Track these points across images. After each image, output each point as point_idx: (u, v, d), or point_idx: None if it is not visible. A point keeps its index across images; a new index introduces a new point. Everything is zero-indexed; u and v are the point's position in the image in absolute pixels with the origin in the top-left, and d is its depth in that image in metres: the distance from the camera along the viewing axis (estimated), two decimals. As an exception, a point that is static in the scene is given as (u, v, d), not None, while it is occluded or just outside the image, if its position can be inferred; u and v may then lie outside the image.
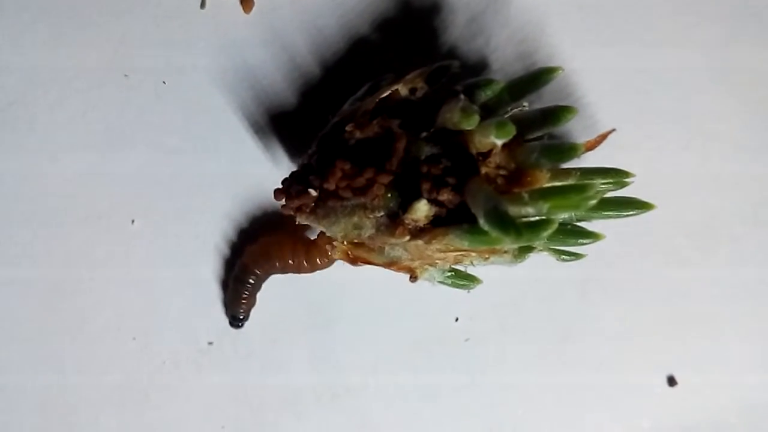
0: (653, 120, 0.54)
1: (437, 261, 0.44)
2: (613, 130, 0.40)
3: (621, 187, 0.45)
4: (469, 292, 0.48)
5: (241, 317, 0.54)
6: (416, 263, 0.45)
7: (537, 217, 0.39)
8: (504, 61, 0.53)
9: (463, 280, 0.46)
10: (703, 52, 0.54)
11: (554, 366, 0.55)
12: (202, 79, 0.54)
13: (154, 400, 0.56)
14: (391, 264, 0.46)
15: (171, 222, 0.55)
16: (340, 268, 0.53)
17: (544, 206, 0.37)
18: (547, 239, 0.44)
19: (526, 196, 0.38)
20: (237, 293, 0.54)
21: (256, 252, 0.53)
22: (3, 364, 0.56)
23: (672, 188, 0.54)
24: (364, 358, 0.56)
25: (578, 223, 0.46)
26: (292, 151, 0.54)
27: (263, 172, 0.54)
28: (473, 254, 0.43)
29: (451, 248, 0.42)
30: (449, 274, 0.46)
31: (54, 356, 0.56)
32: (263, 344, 0.56)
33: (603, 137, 0.41)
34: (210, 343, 0.56)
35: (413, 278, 0.46)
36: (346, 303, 0.56)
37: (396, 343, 0.56)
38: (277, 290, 0.55)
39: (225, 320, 0.56)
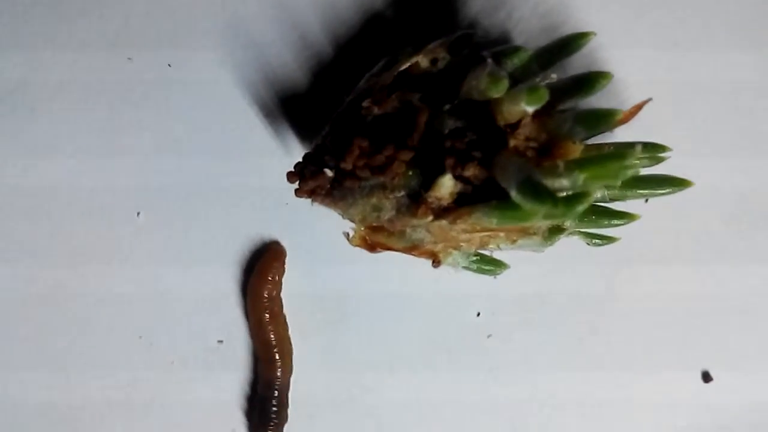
0: (686, 94, 0.51)
1: (462, 244, 0.42)
2: (649, 99, 0.37)
3: (656, 163, 0.43)
4: (495, 277, 0.45)
5: None
6: (439, 246, 0.42)
7: (572, 192, 0.36)
8: (528, 34, 0.51)
9: (488, 265, 0.44)
10: (741, 23, 0.51)
11: (581, 362, 0.53)
12: (208, 60, 0.52)
13: (162, 401, 0.54)
14: (412, 248, 0.43)
15: (178, 214, 0.53)
16: (355, 263, 0.52)
17: (580, 177, 0.35)
18: (579, 220, 0.42)
19: (561, 165, 0.35)
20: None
21: (264, 369, 0.52)
22: (5, 362, 0.54)
23: (708, 168, 0.52)
24: (380, 355, 0.53)
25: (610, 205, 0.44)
26: (304, 137, 0.52)
27: (274, 159, 0.52)
28: (501, 235, 0.40)
29: (478, 228, 0.40)
30: (474, 258, 0.43)
31: (57, 354, 0.54)
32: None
33: (638, 108, 0.38)
34: (220, 341, 0.54)
35: (436, 263, 0.43)
36: (362, 299, 0.53)
37: (415, 339, 0.53)
38: (290, 286, 0.53)
39: (235, 317, 0.54)
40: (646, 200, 0.46)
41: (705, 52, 0.51)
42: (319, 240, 0.53)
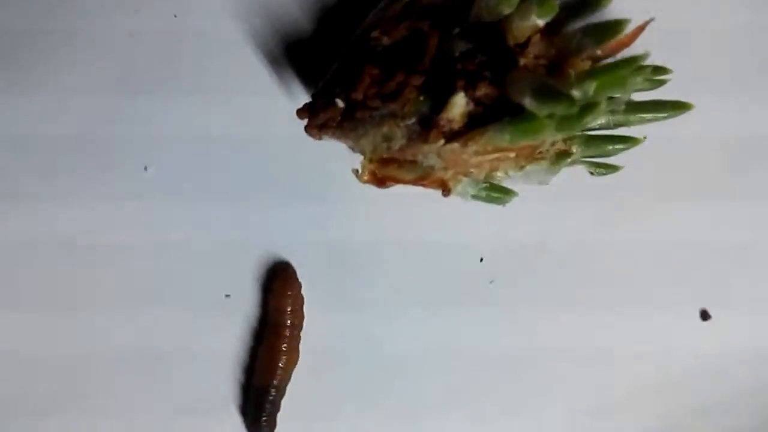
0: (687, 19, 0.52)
1: (472, 170, 0.43)
2: (652, 19, 0.39)
3: (658, 86, 0.44)
4: (505, 206, 0.46)
5: None
6: (449, 174, 0.43)
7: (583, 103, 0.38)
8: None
9: (498, 192, 0.45)
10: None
11: (583, 305, 0.54)
12: (213, 9, 0.53)
13: (169, 356, 0.54)
14: (422, 178, 0.44)
15: (185, 168, 0.53)
16: (358, 209, 0.53)
17: (591, 86, 0.36)
18: (584, 146, 0.43)
19: (572, 74, 0.36)
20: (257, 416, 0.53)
21: (262, 368, 0.53)
22: (14, 321, 0.53)
23: (709, 105, 0.52)
24: (383, 302, 0.54)
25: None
26: (310, 85, 0.52)
27: (279, 106, 0.52)
28: (510, 157, 0.41)
29: (489, 150, 0.41)
30: (484, 185, 0.44)
31: (64, 311, 0.53)
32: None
33: (641, 29, 0.40)
34: (227, 296, 0.54)
35: (446, 192, 0.44)
36: (366, 245, 0.54)
37: (418, 285, 0.54)
38: (295, 234, 0.53)
39: (243, 272, 0.54)
40: (644, 138, 0.47)
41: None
42: (324, 185, 0.53)
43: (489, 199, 0.45)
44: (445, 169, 0.43)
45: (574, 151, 0.43)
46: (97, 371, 0.54)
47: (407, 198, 0.50)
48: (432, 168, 0.43)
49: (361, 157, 0.45)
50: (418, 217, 0.52)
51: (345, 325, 0.54)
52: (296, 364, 0.53)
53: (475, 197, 0.45)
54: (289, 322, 0.52)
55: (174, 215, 0.54)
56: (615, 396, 0.54)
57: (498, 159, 0.42)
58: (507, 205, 0.46)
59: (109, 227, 0.53)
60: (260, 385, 0.53)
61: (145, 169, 0.54)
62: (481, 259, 0.54)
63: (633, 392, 0.54)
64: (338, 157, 0.50)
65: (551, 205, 0.53)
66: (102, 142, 0.53)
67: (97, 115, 0.53)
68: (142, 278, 0.54)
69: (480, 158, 0.42)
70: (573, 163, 0.45)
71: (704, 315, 0.54)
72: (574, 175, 0.46)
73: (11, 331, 0.53)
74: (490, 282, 0.54)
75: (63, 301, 0.54)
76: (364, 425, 0.54)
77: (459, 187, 0.44)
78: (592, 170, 0.46)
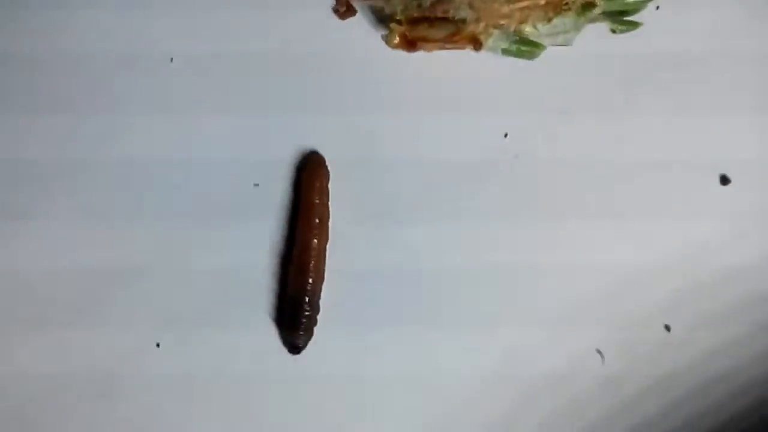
0: None
1: (502, 22, 0.44)
2: None
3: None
4: (533, 59, 0.47)
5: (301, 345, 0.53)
6: (481, 27, 0.44)
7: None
8: None
9: (527, 46, 0.46)
10: None
11: (606, 172, 0.54)
12: None
13: (199, 247, 0.54)
14: (454, 35, 0.45)
15: (211, 58, 0.54)
16: (383, 88, 0.53)
17: None
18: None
19: None
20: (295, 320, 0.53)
21: (296, 272, 0.52)
22: (43, 208, 0.54)
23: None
24: (409, 180, 0.54)
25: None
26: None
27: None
28: (540, 3, 0.42)
29: (520, -2, 0.42)
30: (514, 39, 0.45)
31: (95, 197, 0.54)
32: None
33: None
34: (256, 185, 0.54)
35: (477, 47, 0.45)
36: (391, 123, 0.54)
37: (441, 164, 0.54)
38: (321, 123, 0.54)
39: (271, 160, 0.55)
40: (657, 7, 0.49)
41: None
42: (348, 67, 0.54)
43: (519, 53, 0.46)
44: (477, 21, 0.44)
45: (599, 2, 0.44)
46: (130, 280, 0.54)
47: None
48: (463, 22, 0.44)
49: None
50: (439, 99, 0.53)
51: (366, 219, 0.54)
52: (325, 263, 0.53)
53: (505, 51, 0.46)
54: (318, 210, 0.53)
55: (202, 105, 0.54)
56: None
57: (528, 8, 0.43)
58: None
59: (132, 122, 0.54)
60: (294, 292, 0.53)
61: (171, 60, 0.54)
62: (506, 135, 0.54)
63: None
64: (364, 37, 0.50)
65: (570, 76, 0.53)
66: (125, 35, 0.54)
67: (121, 8, 0.54)
68: (170, 171, 0.54)
69: (511, 7, 0.43)
70: (596, 19, 0.46)
71: (724, 180, 0.54)
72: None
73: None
74: (515, 156, 0.54)
75: (90, 201, 0.54)
76: (395, 335, 0.54)
77: (490, 41, 0.45)
78: (614, 27, 0.47)
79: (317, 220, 0.53)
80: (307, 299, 0.52)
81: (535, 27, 0.44)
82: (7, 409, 0.54)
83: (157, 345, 0.54)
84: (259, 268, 0.54)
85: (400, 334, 0.54)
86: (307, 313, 0.52)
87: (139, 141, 0.54)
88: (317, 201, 0.53)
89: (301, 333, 0.52)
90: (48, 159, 0.54)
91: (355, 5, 0.45)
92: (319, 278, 0.53)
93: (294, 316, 0.52)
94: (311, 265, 0.52)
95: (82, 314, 0.54)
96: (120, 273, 0.54)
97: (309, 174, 0.53)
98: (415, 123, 0.54)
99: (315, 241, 0.52)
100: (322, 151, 0.54)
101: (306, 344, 0.53)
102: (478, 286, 0.54)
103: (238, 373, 0.54)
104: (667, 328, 0.53)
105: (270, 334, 0.54)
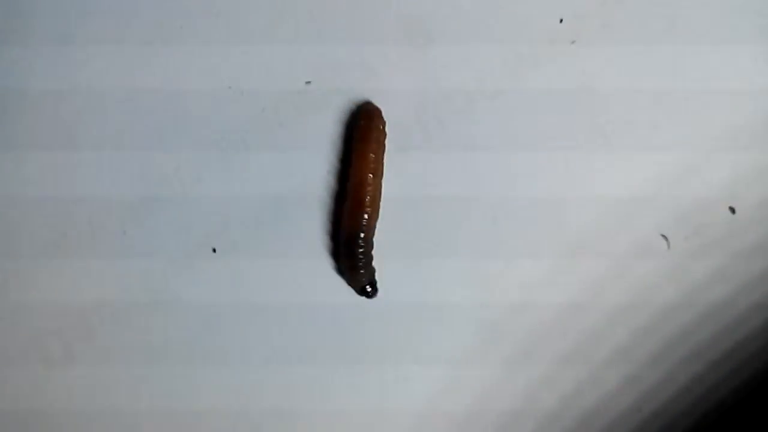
0: None
1: None
2: None
3: None
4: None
5: (369, 286, 0.52)
6: None
7: None
8: None
9: None
10: None
11: (660, 53, 0.54)
12: None
13: (254, 147, 0.54)
14: None
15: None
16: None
17: None
18: None
19: None
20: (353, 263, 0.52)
21: (348, 213, 0.52)
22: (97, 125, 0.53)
23: None
24: (463, 75, 0.54)
25: None
26: None
27: None
28: None
29: None
30: None
31: (149, 111, 0.54)
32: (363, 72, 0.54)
33: None
34: (308, 83, 0.54)
35: None
36: (445, 21, 0.54)
37: (499, 53, 0.54)
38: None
39: (322, 56, 0.54)
40: None
41: None
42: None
43: None
44: None
45: None
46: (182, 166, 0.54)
47: None
48: None
49: None
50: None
51: (420, 120, 0.54)
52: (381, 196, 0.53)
53: None
54: (373, 155, 0.52)
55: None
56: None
57: None
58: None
59: (183, 27, 0.54)
60: (351, 229, 0.52)
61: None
62: (561, 20, 0.54)
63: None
64: None
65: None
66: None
67: None
68: (223, 75, 0.54)
69: None
70: None
71: None
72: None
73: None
74: (572, 42, 0.53)
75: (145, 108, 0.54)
76: (450, 267, 0.54)
77: None
78: None
79: (373, 156, 0.52)
80: (362, 235, 0.51)
81: None
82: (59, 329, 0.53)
83: (213, 250, 0.53)
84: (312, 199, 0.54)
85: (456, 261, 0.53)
86: (362, 250, 0.51)
87: (184, 70, 0.54)
88: (374, 148, 0.52)
89: (362, 272, 0.51)
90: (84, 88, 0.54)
91: None
92: (375, 214, 0.52)
93: (350, 254, 0.51)
94: (367, 200, 0.51)
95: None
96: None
97: (366, 120, 0.52)
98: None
99: (371, 176, 0.51)
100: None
101: (372, 283, 0.52)
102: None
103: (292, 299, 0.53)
104: (732, 210, 0.52)
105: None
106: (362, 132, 0.52)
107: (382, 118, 0.52)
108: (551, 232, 0.53)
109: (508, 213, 0.53)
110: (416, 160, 0.53)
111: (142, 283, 0.53)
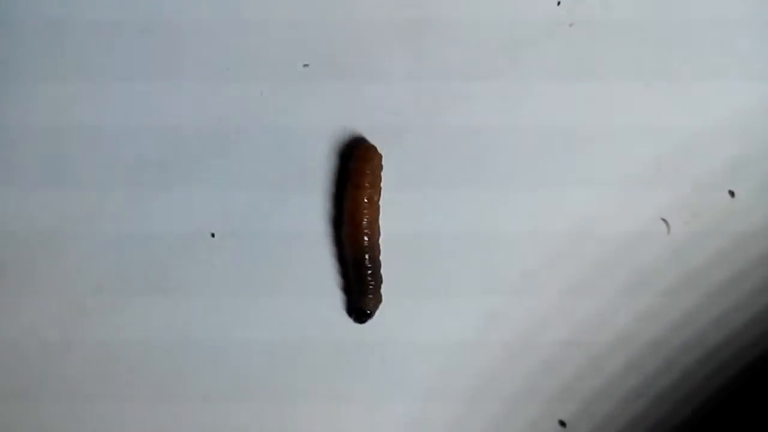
0: None
1: None
2: None
3: None
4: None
5: (369, 312, 0.52)
6: None
7: None
8: None
9: None
10: None
11: (660, 35, 0.54)
12: None
13: (253, 132, 0.53)
14: None
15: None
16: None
17: None
18: None
19: None
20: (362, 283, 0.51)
21: (349, 232, 0.51)
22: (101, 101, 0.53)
23: None
24: (463, 57, 0.53)
25: None
26: None
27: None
28: None
29: None
30: None
31: (144, 94, 0.53)
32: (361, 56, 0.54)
33: None
34: (306, 65, 0.53)
35: None
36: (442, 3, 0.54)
37: (495, 35, 0.54)
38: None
39: (322, 39, 0.53)
40: None
41: None
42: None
43: None
44: None
45: None
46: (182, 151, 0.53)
47: None
48: None
49: None
50: None
51: (421, 96, 0.54)
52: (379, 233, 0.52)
53: None
54: (368, 184, 0.51)
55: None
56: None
57: None
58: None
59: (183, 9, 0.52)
60: (355, 256, 0.51)
61: None
62: (559, 3, 0.54)
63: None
64: None
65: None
66: None
67: None
68: (220, 56, 0.54)
69: None
70: None
71: None
72: None
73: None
74: (570, 25, 0.53)
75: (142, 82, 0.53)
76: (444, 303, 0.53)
77: None
78: None
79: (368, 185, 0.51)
80: (367, 257, 0.50)
81: None
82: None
83: (212, 235, 0.53)
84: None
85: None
86: (370, 271, 0.50)
87: (181, 55, 0.53)
88: (368, 172, 0.51)
89: (370, 296, 0.51)
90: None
91: None
92: (376, 234, 0.51)
93: (359, 278, 0.51)
94: (364, 222, 0.51)
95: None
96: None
97: (362, 151, 0.52)
98: None
99: (366, 199, 0.51)
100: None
101: (374, 310, 0.52)
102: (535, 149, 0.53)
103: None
104: (732, 193, 0.52)
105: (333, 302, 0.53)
106: (356, 175, 0.51)
107: (377, 159, 0.51)
108: (551, 217, 0.52)
109: (507, 198, 0.53)
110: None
111: (141, 269, 0.52)
